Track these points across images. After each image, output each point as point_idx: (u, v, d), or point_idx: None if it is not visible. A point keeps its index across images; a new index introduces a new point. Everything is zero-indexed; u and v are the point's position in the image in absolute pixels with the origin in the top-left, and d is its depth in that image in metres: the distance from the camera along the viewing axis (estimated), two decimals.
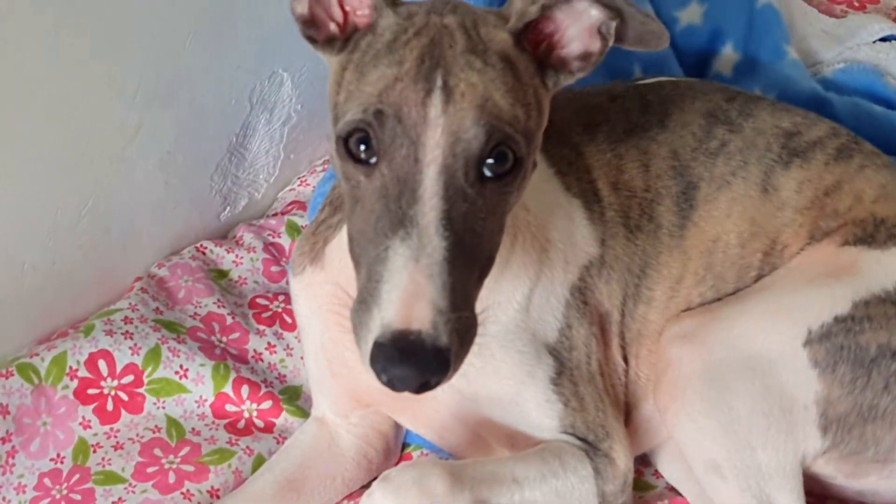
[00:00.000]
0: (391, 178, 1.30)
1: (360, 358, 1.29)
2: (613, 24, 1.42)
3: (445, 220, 1.28)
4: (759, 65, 2.34)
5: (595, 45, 1.45)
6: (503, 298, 1.60)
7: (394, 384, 1.25)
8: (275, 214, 2.30)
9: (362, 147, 1.32)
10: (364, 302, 1.28)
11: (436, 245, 1.26)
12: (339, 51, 1.42)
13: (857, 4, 2.75)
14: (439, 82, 1.30)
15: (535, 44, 1.44)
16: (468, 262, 1.31)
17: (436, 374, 1.25)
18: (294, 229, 2.21)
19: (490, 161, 1.32)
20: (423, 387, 1.26)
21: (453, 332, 1.25)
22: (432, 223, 1.27)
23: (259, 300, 2.09)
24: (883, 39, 2.51)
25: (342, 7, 1.44)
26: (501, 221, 1.39)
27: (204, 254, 2.17)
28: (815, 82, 2.35)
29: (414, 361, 1.23)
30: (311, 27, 1.44)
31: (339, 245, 1.62)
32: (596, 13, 1.42)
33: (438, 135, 1.29)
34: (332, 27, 1.44)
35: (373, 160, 1.32)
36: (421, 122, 1.29)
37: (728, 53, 2.37)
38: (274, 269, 2.16)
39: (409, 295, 1.24)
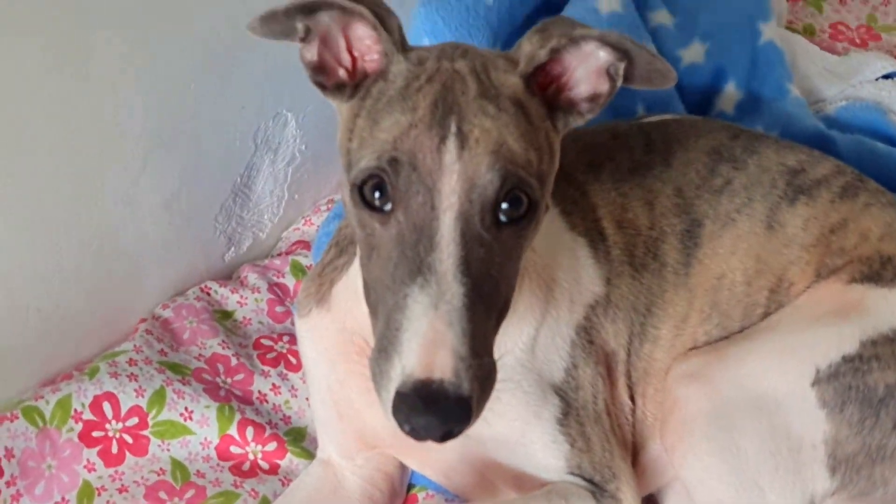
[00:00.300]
0: (408, 226, 1.29)
1: (382, 407, 1.28)
2: (622, 66, 1.42)
3: (463, 266, 1.27)
4: (762, 103, 2.34)
5: (603, 87, 1.45)
6: (509, 339, 1.59)
7: (418, 434, 1.24)
8: (279, 254, 2.30)
9: (377, 194, 1.32)
10: (384, 350, 1.28)
11: (455, 291, 1.26)
12: (349, 97, 1.42)
13: (858, 42, 2.75)
14: (453, 128, 1.30)
15: (543, 86, 1.44)
16: (486, 307, 1.30)
17: (459, 423, 1.24)
18: (299, 269, 2.21)
19: (505, 206, 1.31)
20: (446, 436, 1.25)
21: (475, 378, 1.24)
22: (450, 270, 1.27)
23: (264, 341, 2.08)
24: (885, 77, 2.51)
25: (351, 53, 1.44)
26: (517, 265, 1.39)
27: (209, 294, 2.16)
28: (818, 120, 2.35)
29: (437, 411, 1.22)
30: (321, 73, 1.44)
31: (345, 286, 1.62)
32: (604, 55, 1.42)
33: (454, 181, 1.29)
34: (342, 73, 1.44)
35: (388, 207, 1.32)
36: (436, 169, 1.29)
37: (731, 91, 2.37)
38: (279, 309, 2.15)
39: (430, 343, 1.24)
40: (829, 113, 2.43)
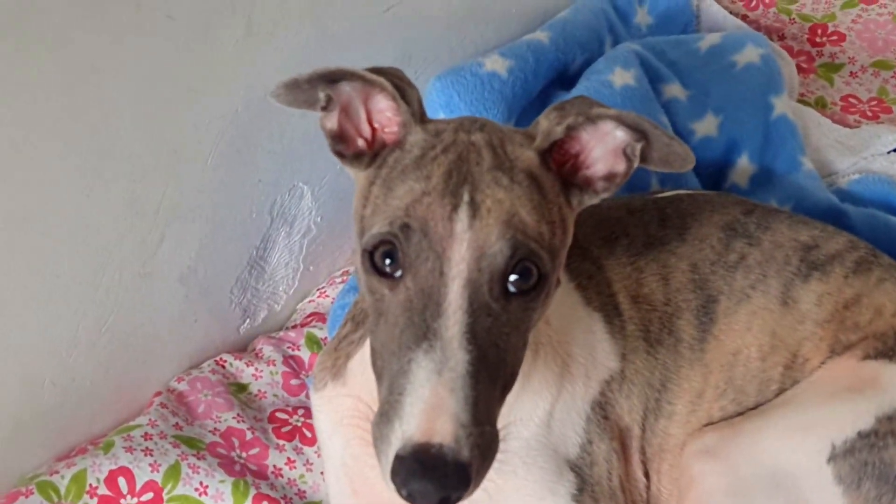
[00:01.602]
0: (416, 292, 1.30)
1: (381, 471, 1.28)
2: (639, 146, 1.43)
3: (469, 333, 1.28)
4: (775, 176, 2.35)
5: (620, 166, 1.46)
6: (525, 414, 1.59)
7: (414, 498, 1.24)
8: (294, 326, 2.30)
9: (387, 261, 1.33)
10: (385, 415, 1.28)
11: (459, 358, 1.26)
12: (366, 166, 1.44)
13: (870, 114, 2.76)
14: (466, 198, 1.31)
15: (560, 163, 1.45)
16: (491, 376, 1.30)
17: (456, 489, 1.23)
18: (314, 342, 2.21)
19: (514, 277, 1.32)
20: (443, 501, 1.24)
21: (475, 446, 1.24)
22: (456, 337, 1.27)
23: (279, 414, 2.07)
24: None
25: (371, 124, 1.46)
26: (525, 337, 1.39)
27: (223, 367, 2.16)
28: (831, 193, 2.35)
29: (435, 475, 1.21)
30: (340, 142, 1.46)
31: (361, 361, 1.62)
32: (621, 135, 1.43)
33: (464, 249, 1.29)
34: (361, 143, 1.46)
35: (398, 274, 1.33)
36: (447, 237, 1.30)
37: (744, 165, 2.38)
38: (293, 382, 2.15)
39: (431, 408, 1.24)
40: (842, 186, 2.43)
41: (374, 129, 1.46)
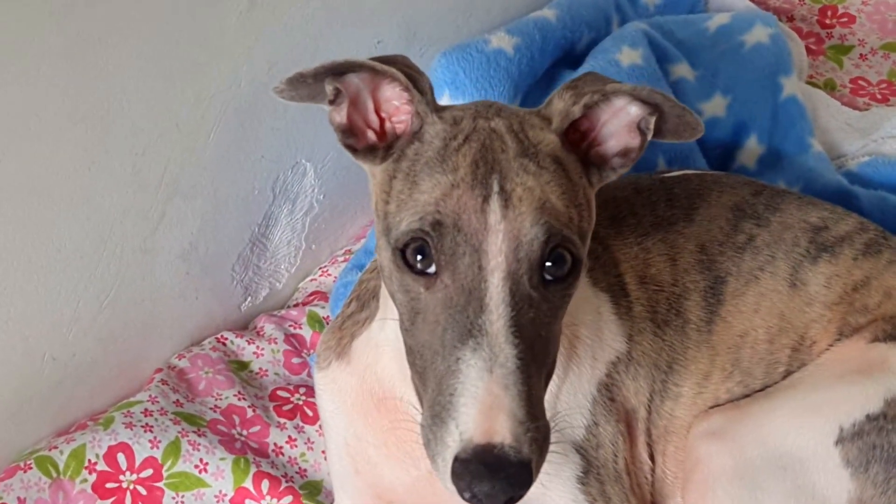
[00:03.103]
0: (455, 288, 1.28)
1: (438, 475, 1.26)
2: (652, 119, 1.42)
3: (514, 327, 1.26)
4: (784, 158, 2.34)
5: (635, 141, 1.45)
6: None
7: (480, 501, 1.21)
8: (296, 305, 2.29)
9: (419, 257, 1.30)
10: (438, 416, 1.26)
11: (508, 354, 1.24)
12: (381, 159, 1.41)
13: (879, 97, 2.75)
14: (496, 187, 1.29)
15: (576, 142, 1.43)
16: (538, 368, 1.29)
17: (522, 488, 1.22)
18: (315, 320, 2.20)
19: (549, 264, 1.30)
20: (509, 501, 1.22)
21: (534, 441, 1.23)
22: (502, 331, 1.25)
23: (280, 392, 2.07)
24: None
25: (378, 114, 1.43)
26: (560, 324, 1.37)
27: (224, 345, 2.15)
28: (840, 175, 2.34)
29: (501, 477, 1.20)
30: (351, 136, 1.43)
31: (366, 341, 1.60)
32: (635, 109, 1.42)
33: (500, 240, 1.28)
34: (371, 135, 1.43)
35: (431, 270, 1.30)
36: (482, 229, 1.28)
37: (752, 146, 2.37)
38: (295, 360, 2.14)
39: (488, 407, 1.22)
40: (851, 168, 2.42)
41: (382, 120, 1.44)
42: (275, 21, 1.99)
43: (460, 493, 1.22)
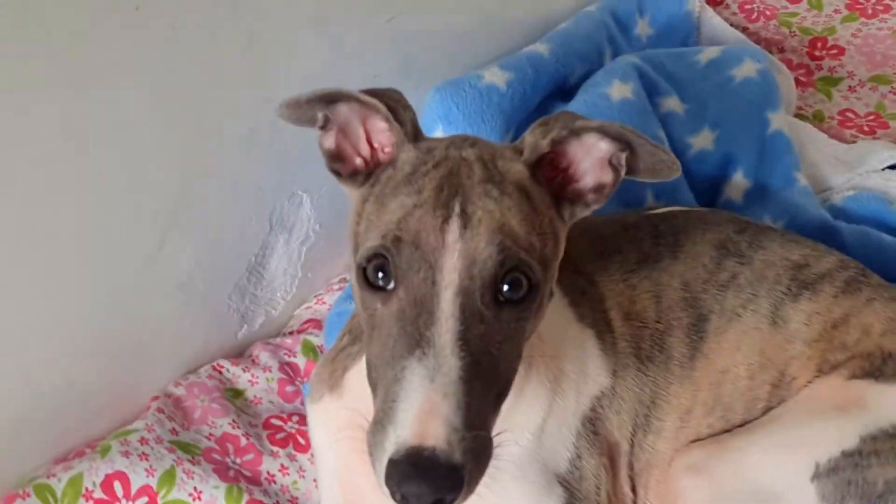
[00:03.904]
0: (408, 302, 1.33)
1: (377, 477, 1.29)
2: (624, 156, 1.45)
3: (462, 340, 1.30)
4: (770, 192, 2.36)
5: (607, 177, 1.48)
6: (517, 427, 1.61)
7: (408, 500, 1.25)
8: (291, 333, 2.31)
9: (380, 274, 1.35)
10: (380, 422, 1.30)
11: (452, 364, 1.28)
12: (361, 184, 1.47)
13: (867, 129, 2.77)
14: (457, 209, 1.34)
15: (550, 178, 1.48)
16: (484, 383, 1.32)
17: (450, 492, 1.25)
18: (310, 349, 2.23)
19: (506, 287, 1.34)
20: (437, 503, 1.26)
21: (468, 450, 1.26)
22: (449, 343, 1.29)
23: (273, 420, 2.09)
24: (892, 167, 2.52)
25: (370, 143, 1.48)
26: (518, 348, 1.41)
27: (220, 373, 2.18)
28: (825, 210, 2.36)
29: (428, 478, 1.23)
30: (337, 161, 1.49)
31: (357, 374, 1.63)
32: (605, 146, 1.46)
33: (455, 258, 1.32)
34: (359, 162, 1.49)
35: (390, 286, 1.35)
36: (439, 247, 1.32)
37: (739, 180, 2.38)
38: (289, 388, 2.17)
39: (424, 413, 1.25)
40: (836, 202, 2.44)
41: (373, 150, 1.49)
42: (274, 55, 2.01)
43: (391, 494, 1.26)
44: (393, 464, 1.25)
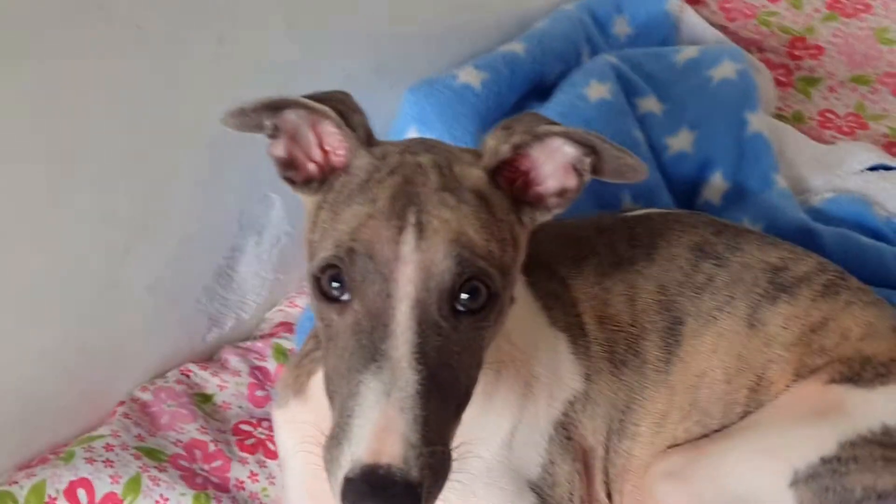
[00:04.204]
0: (364, 314, 1.30)
1: (332, 493, 1.28)
2: (588, 161, 1.43)
3: (418, 353, 1.28)
4: (748, 194, 2.35)
5: (571, 182, 1.46)
6: (487, 434, 1.59)
7: None
8: (262, 336, 2.29)
9: (334, 284, 1.33)
10: (335, 437, 1.28)
11: (408, 379, 1.26)
12: (315, 191, 1.44)
13: (846, 130, 2.77)
14: (412, 219, 1.32)
15: (510, 181, 1.45)
16: (443, 396, 1.30)
17: None
18: (280, 353, 2.20)
19: (464, 296, 1.32)
20: None
21: (425, 466, 1.24)
22: (405, 357, 1.27)
23: (243, 426, 2.06)
24: (871, 168, 2.52)
25: (322, 148, 1.45)
26: (478, 356, 1.39)
27: (188, 377, 2.14)
28: (804, 212, 2.35)
29: (384, 497, 1.21)
30: (290, 169, 1.47)
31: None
32: (570, 150, 1.43)
33: (410, 270, 1.30)
34: (312, 168, 1.46)
35: (345, 297, 1.33)
36: (393, 259, 1.30)
37: (717, 182, 2.37)
38: (259, 393, 2.14)
39: (380, 429, 1.24)
40: (815, 204, 2.43)
41: (326, 153, 1.46)
42: (244, 57, 1.99)
43: None
44: (348, 482, 1.23)
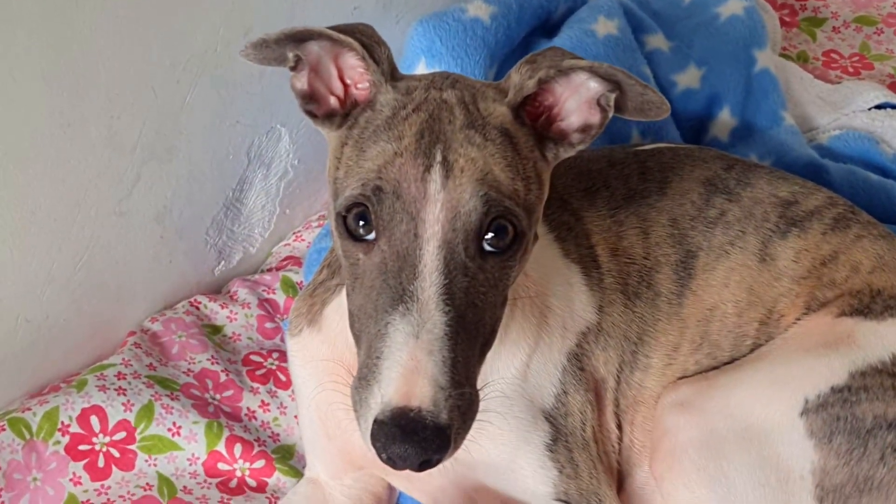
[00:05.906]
0: (391, 254, 1.30)
1: (361, 435, 1.28)
2: (613, 96, 1.42)
3: (446, 294, 1.28)
4: (756, 131, 2.35)
5: (595, 118, 1.45)
6: (502, 365, 1.59)
7: (394, 462, 1.25)
8: (269, 269, 2.29)
9: (361, 223, 1.32)
10: (364, 378, 1.28)
11: (436, 320, 1.27)
12: (338, 126, 1.43)
13: (851, 70, 2.76)
14: (439, 157, 1.31)
15: (534, 116, 1.44)
16: (470, 337, 1.30)
17: (437, 452, 1.24)
18: (289, 285, 2.20)
19: (490, 235, 1.32)
20: (424, 464, 1.25)
21: (454, 408, 1.25)
22: (433, 298, 1.27)
23: (253, 357, 2.07)
24: (878, 107, 2.52)
25: (343, 81, 1.44)
26: (503, 295, 1.39)
27: (198, 308, 2.15)
28: (811, 149, 2.35)
29: (415, 439, 1.22)
30: (311, 102, 1.45)
31: (337, 307, 1.62)
32: (595, 85, 1.42)
33: (438, 210, 1.29)
34: (333, 101, 1.45)
35: (371, 236, 1.32)
36: (420, 198, 1.30)
37: (725, 118, 2.37)
38: (268, 325, 2.14)
39: (409, 371, 1.24)
40: (822, 142, 2.44)
41: (346, 87, 1.45)
42: None
43: (378, 454, 1.25)
44: (379, 424, 1.24)
